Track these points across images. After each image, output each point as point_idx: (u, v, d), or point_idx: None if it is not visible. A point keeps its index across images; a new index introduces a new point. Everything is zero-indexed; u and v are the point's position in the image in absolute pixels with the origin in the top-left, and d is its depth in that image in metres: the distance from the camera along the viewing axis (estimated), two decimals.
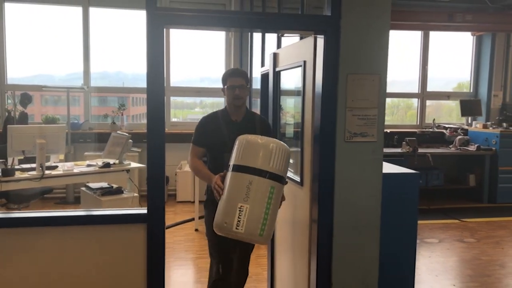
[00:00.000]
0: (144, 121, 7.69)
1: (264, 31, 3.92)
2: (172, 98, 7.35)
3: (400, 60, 7.82)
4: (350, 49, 2.36)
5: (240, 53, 6.60)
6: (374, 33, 2.38)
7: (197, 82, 7.78)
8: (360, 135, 2.42)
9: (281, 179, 2.25)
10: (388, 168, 3.44)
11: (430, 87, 7.81)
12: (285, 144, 2.33)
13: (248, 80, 2.81)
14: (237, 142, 2.32)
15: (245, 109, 2.78)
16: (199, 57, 7.39)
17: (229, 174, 2.26)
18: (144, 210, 2.27)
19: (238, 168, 2.22)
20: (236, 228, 2.14)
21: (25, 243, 2.20)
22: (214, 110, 2.87)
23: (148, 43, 2.21)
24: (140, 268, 2.26)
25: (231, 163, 2.28)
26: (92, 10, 6.69)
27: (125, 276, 2.26)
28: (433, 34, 7.50)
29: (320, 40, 2.42)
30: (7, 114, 6.04)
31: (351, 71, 2.37)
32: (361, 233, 2.47)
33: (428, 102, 8.22)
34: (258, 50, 5.01)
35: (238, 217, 2.14)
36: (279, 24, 2.52)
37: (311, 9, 3.41)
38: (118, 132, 5.38)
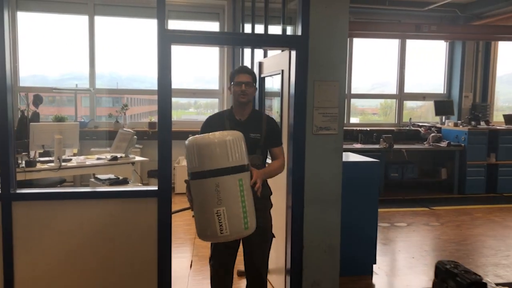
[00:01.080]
0: (142, 120, 8.36)
1: (251, 47, 4.60)
2: None
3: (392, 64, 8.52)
4: (316, 61, 3.03)
5: (232, 57, 7.25)
6: (335, 49, 3.05)
7: (191, 83, 8.41)
8: (324, 129, 3.09)
9: (245, 167, 2.23)
10: (356, 157, 4.11)
11: (428, 89, 8.55)
12: (237, 131, 2.34)
13: (256, 79, 2.74)
14: (187, 147, 2.23)
15: (251, 109, 2.74)
16: (194, 60, 8.03)
17: (192, 183, 2.22)
18: (155, 187, 2.92)
19: (199, 175, 2.14)
20: (221, 233, 2.12)
21: (63, 212, 2.84)
22: (221, 110, 2.96)
23: (159, 57, 2.85)
24: (153, 231, 2.90)
25: (189, 171, 2.22)
26: (97, 19, 7.32)
27: (142, 236, 2.91)
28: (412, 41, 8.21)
29: (294, 54, 3.09)
30: (20, 113, 6.63)
31: (317, 78, 3.04)
32: (326, 205, 3.14)
33: (420, 103, 8.95)
34: (249, 55, 5.71)
35: (219, 222, 2.10)
36: (263, 42, 3.22)
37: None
38: (124, 129, 6.01)
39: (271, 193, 2.80)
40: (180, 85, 8.06)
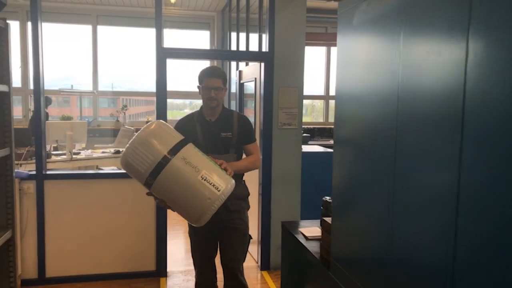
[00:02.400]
0: (139, 119, 9.17)
1: (233, 61, 5.47)
2: None
3: None
4: (280, 71, 3.87)
5: (221, 64, 8.06)
6: (294, 62, 3.89)
7: (184, 83, 9.23)
8: (287, 124, 3.93)
9: (186, 138, 2.24)
10: (318, 149, 4.96)
11: None
12: (153, 122, 2.28)
13: (226, 80, 2.62)
14: (129, 155, 2.12)
15: (221, 108, 2.64)
16: (188, 63, 8.87)
17: (159, 179, 2.08)
18: None
19: (163, 163, 2.08)
20: (218, 190, 2.09)
21: (82, 188, 3.66)
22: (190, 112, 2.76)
23: (157, 68, 3.68)
24: (151, 207, 3.73)
25: (148, 172, 2.08)
26: (100, 28, 8.13)
27: (144, 208, 3.74)
28: None
29: (263, 65, 3.92)
30: (31, 113, 7.43)
31: (281, 85, 3.88)
32: (289, 185, 3.98)
33: None
34: (235, 63, 6.57)
35: (210, 183, 2.09)
36: (241, 57, 4.06)
37: None
38: (125, 126, 6.84)
39: (249, 194, 2.69)
40: (178, 87, 8.86)
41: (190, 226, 2.57)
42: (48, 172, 3.64)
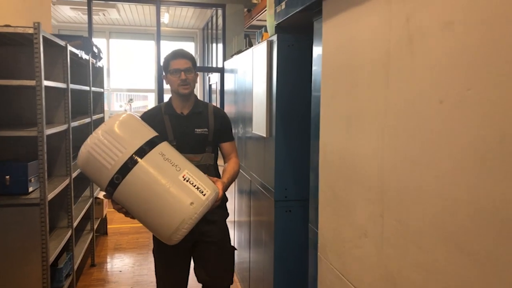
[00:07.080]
0: (140, 110, 11.86)
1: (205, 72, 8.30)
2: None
3: None
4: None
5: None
6: None
7: None
8: None
9: (159, 137, 1.92)
10: None
11: None
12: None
13: (196, 63, 2.27)
14: (93, 146, 1.73)
15: (194, 100, 2.26)
16: None
17: (132, 175, 1.72)
18: None
19: (141, 153, 1.74)
20: (203, 194, 1.76)
21: None
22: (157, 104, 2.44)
23: (157, 77, 6.44)
24: None
25: (116, 168, 1.71)
26: (111, 41, 10.84)
27: None
28: None
29: (219, 75, 6.69)
30: None
31: None
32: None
33: None
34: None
35: (194, 186, 1.76)
36: (209, 70, 6.84)
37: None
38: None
39: (227, 200, 2.31)
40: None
41: (157, 243, 2.20)
42: None
